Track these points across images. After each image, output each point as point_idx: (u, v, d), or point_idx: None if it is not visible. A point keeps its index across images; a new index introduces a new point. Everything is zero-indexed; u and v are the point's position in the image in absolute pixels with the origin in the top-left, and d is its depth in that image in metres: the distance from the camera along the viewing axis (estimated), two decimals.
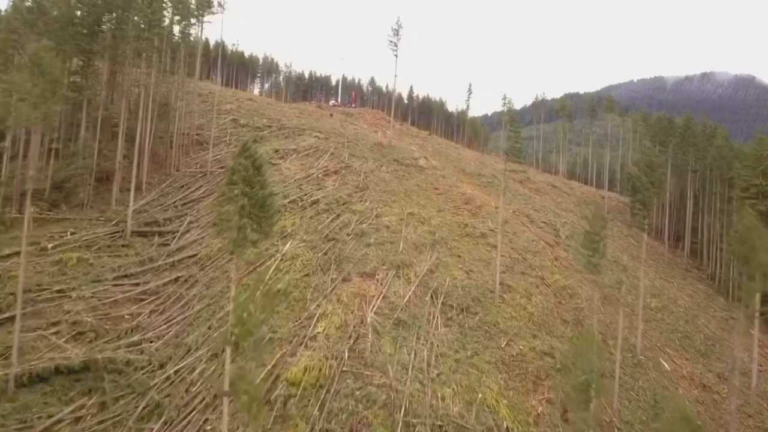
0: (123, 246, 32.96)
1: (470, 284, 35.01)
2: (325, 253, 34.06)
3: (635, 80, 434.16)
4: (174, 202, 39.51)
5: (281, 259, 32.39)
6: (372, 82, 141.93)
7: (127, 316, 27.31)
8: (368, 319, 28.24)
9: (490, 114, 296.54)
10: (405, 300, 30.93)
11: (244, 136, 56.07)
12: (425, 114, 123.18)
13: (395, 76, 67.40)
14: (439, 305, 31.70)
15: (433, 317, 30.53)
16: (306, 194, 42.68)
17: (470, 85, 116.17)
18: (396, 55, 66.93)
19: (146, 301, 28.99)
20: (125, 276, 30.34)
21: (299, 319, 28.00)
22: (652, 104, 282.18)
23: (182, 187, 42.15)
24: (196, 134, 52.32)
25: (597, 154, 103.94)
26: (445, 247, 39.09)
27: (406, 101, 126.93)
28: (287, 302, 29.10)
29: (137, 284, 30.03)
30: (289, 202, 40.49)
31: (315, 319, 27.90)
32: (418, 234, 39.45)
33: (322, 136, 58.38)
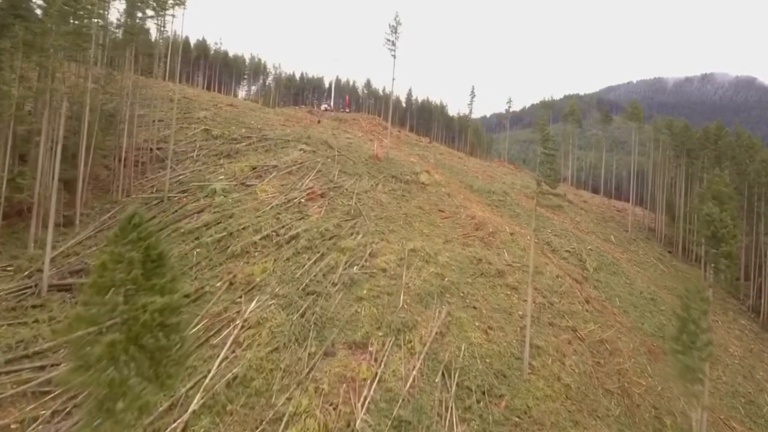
0: (34, 307, 24.80)
1: (491, 351, 27.10)
2: (303, 314, 26.02)
3: (635, 81, 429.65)
4: None
5: (242, 327, 24.34)
6: (368, 84, 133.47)
7: (14, 426, 19.22)
8: (357, 423, 20.29)
9: (488, 116, 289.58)
10: (408, 385, 22.98)
11: (216, 150, 48.09)
12: (425, 119, 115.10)
13: (393, 78, 59.40)
14: (454, 388, 23.77)
15: (446, 409, 22.60)
16: (284, 226, 34.67)
17: (473, 88, 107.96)
18: (394, 56, 58.91)
19: (50, 396, 20.88)
20: (26, 356, 22.24)
21: (260, 424, 19.99)
22: (652, 105, 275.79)
23: None
24: (158, 148, 44.21)
25: (607, 160, 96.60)
26: (457, 295, 31.18)
27: (404, 105, 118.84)
28: (246, 396, 21.12)
29: (42, 368, 21.94)
30: (260, 239, 32.48)
31: (283, 424, 19.93)
32: (423, 278, 31.50)
33: (309, 149, 50.39)
